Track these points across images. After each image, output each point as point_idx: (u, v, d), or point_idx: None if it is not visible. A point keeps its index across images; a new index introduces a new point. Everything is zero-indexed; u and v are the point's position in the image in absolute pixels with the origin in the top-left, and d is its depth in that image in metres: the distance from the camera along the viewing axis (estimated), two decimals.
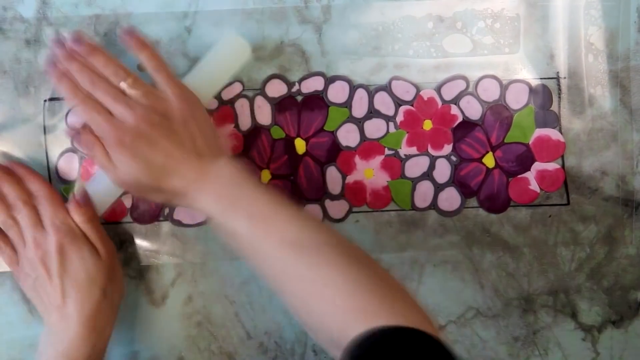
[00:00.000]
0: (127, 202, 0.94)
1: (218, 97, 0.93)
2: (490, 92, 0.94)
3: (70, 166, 0.93)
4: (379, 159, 0.94)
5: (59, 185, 0.93)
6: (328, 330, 0.70)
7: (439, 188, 0.94)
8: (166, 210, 0.94)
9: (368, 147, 0.94)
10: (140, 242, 0.94)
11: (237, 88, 0.94)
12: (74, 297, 0.81)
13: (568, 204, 0.95)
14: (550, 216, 0.95)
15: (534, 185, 0.94)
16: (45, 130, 0.93)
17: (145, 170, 0.78)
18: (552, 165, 0.94)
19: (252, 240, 0.75)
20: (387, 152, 0.94)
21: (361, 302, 0.68)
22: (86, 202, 0.84)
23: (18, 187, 0.84)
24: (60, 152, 0.93)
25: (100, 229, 0.86)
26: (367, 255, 0.76)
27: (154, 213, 0.94)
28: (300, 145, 0.94)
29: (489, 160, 0.94)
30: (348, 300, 0.69)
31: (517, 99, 0.94)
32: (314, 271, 0.71)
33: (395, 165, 0.94)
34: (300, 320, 0.75)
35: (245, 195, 0.77)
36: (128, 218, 0.94)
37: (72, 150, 0.93)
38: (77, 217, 0.83)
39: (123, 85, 0.79)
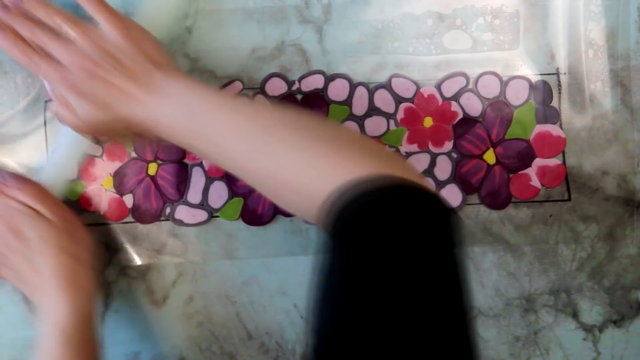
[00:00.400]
0: (129, 203, 0.93)
1: None
2: (490, 89, 0.94)
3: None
4: None
5: None
6: (305, 200, 0.68)
7: (440, 185, 0.94)
8: (167, 210, 0.94)
9: None
10: (141, 242, 0.94)
11: (237, 87, 0.94)
12: (48, 270, 0.81)
13: (569, 199, 0.95)
14: (551, 215, 0.95)
15: (535, 182, 0.94)
16: (46, 131, 0.93)
17: (102, 106, 0.77)
18: (553, 161, 0.94)
19: (214, 142, 0.74)
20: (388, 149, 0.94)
21: (329, 158, 0.67)
22: (21, 179, 0.85)
23: None
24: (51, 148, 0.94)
25: (47, 199, 0.85)
26: (319, 119, 0.78)
27: (155, 213, 0.94)
28: None
29: (490, 157, 0.94)
30: (316, 160, 0.68)
31: (517, 95, 0.94)
32: (277, 150, 0.70)
33: None
34: (278, 201, 0.76)
35: (202, 105, 0.75)
36: (129, 218, 0.93)
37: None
38: (20, 196, 0.84)
39: (63, 28, 0.78)
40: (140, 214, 0.94)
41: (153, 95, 0.76)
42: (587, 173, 0.95)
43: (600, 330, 0.96)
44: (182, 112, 0.75)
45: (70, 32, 0.77)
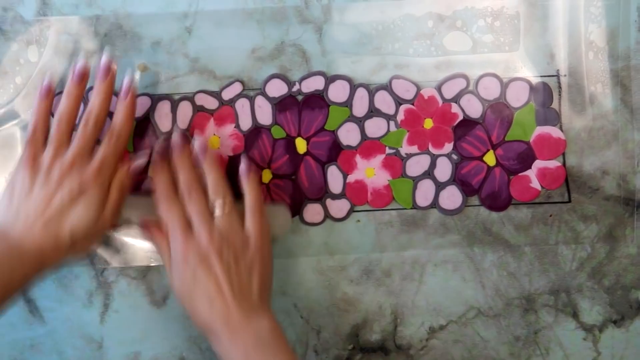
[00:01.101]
0: None
1: (218, 97, 0.94)
2: (490, 91, 0.94)
3: None
4: (379, 157, 0.94)
5: None
6: None
7: (440, 187, 0.94)
8: None
9: (369, 146, 0.94)
10: (141, 243, 0.94)
11: (237, 88, 0.94)
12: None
13: (569, 201, 0.95)
14: (551, 215, 0.95)
15: (535, 183, 0.94)
16: None
17: (193, 293, 0.80)
18: (553, 163, 0.94)
19: None
20: (388, 151, 0.94)
21: None
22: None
23: None
24: None
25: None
26: None
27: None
28: (301, 145, 0.94)
29: (490, 159, 0.94)
30: None
31: (517, 97, 0.94)
32: None
33: (396, 164, 0.94)
34: None
35: None
36: None
37: None
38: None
39: (216, 204, 0.83)
40: None
41: (238, 324, 0.79)
42: (587, 173, 0.95)
43: (600, 330, 0.97)
44: (247, 350, 0.77)
45: (220, 215, 0.82)
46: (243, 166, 0.85)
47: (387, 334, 0.96)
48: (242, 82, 0.94)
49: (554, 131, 0.94)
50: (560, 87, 0.94)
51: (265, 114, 0.94)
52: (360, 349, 0.96)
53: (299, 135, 0.94)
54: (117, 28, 0.93)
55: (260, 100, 0.94)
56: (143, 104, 0.94)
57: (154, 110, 0.94)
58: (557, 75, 0.95)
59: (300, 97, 0.94)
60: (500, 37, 0.94)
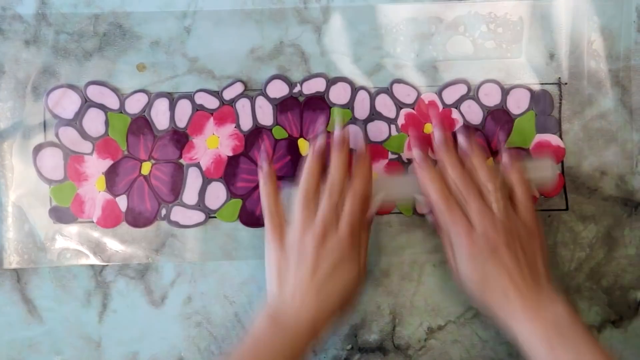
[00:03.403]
0: (122, 205, 0.98)
1: (219, 97, 0.98)
2: (491, 97, 0.98)
3: (56, 163, 0.97)
4: (382, 162, 0.98)
5: (46, 185, 0.97)
6: None
7: None
8: (163, 212, 0.98)
9: (372, 150, 0.97)
10: (139, 242, 0.98)
11: (238, 88, 0.98)
12: None
13: (567, 209, 0.99)
14: (549, 216, 0.98)
15: (534, 190, 0.97)
16: (45, 130, 0.97)
17: (485, 287, 0.86)
18: None
19: None
20: (390, 156, 0.98)
21: None
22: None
23: None
24: (35, 145, 0.98)
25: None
26: None
27: (150, 215, 0.98)
28: (304, 146, 0.98)
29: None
30: None
31: (518, 104, 0.98)
32: None
33: (398, 169, 0.98)
34: None
35: (573, 346, 0.81)
36: (123, 223, 0.98)
37: (54, 144, 0.98)
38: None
39: (491, 197, 0.88)
40: (134, 217, 0.98)
41: (531, 305, 0.84)
42: (585, 173, 0.99)
43: (599, 330, 1.00)
44: (553, 345, 0.81)
45: (495, 205, 0.87)
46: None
47: (385, 334, 1.00)
48: (243, 82, 0.98)
49: (553, 139, 0.98)
50: (561, 94, 0.98)
51: (266, 115, 0.98)
52: (358, 349, 1.00)
53: (301, 136, 0.98)
54: (116, 27, 0.98)
55: (261, 101, 0.98)
56: (140, 101, 0.98)
57: (150, 107, 0.98)
58: (559, 83, 0.98)
59: (301, 99, 0.98)
60: (502, 44, 0.98)
